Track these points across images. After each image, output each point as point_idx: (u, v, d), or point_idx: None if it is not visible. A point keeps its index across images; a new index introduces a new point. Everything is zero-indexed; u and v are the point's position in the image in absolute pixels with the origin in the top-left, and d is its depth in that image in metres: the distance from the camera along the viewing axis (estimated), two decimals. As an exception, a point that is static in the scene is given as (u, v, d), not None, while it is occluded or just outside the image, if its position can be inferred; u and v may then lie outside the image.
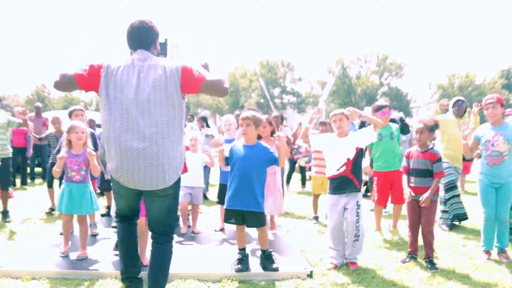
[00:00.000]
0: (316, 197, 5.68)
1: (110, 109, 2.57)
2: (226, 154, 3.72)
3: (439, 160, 3.82)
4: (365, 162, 4.80)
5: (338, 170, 3.80)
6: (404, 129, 5.37)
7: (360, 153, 3.85)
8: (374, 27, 77.32)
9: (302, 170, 8.54)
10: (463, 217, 5.26)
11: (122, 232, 2.92)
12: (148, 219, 2.81)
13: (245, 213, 3.54)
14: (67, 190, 3.86)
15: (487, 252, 4.04)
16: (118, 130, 2.54)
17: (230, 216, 3.61)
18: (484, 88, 41.15)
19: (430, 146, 3.97)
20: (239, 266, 3.49)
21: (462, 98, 5.40)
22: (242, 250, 3.63)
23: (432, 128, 3.90)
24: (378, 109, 5.08)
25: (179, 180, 2.72)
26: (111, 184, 2.76)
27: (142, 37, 2.73)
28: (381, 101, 5.61)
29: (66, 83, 2.64)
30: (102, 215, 5.53)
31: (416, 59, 77.43)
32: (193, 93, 2.68)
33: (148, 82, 2.57)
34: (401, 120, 5.48)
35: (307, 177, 8.91)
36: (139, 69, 2.60)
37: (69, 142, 3.85)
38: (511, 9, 76.63)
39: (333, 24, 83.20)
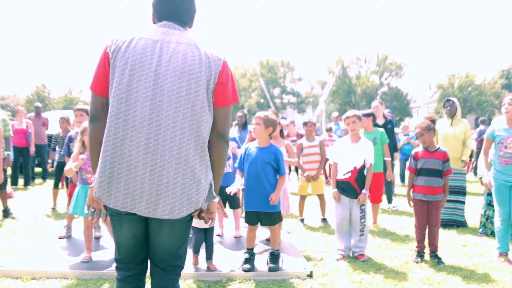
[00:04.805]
0: (302, 198, 5.67)
1: (112, 100, 1.75)
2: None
3: (449, 159, 3.93)
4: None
5: (344, 175, 4.05)
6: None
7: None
8: (374, 27, 77.25)
9: (296, 169, 8.63)
10: (461, 224, 5.27)
11: None
12: (151, 249, 1.92)
13: (260, 214, 3.62)
14: (82, 192, 3.77)
15: (502, 254, 3.98)
16: (118, 130, 1.72)
17: (248, 217, 3.69)
18: (484, 88, 41.11)
19: (438, 146, 4.03)
20: (247, 265, 3.54)
21: (452, 98, 5.56)
22: (250, 249, 3.67)
23: (429, 127, 3.94)
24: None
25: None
26: (109, 215, 1.91)
27: (182, 6, 1.88)
28: (374, 103, 6.19)
29: (94, 108, 1.81)
30: None
31: (416, 59, 77.36)
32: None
33: (174, 66, 1.74)
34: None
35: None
36: (162, 45, 1.77)
37: (83, 144, 3.73)
38: (511, 9, 76.66)
39: (333, 24, 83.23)
